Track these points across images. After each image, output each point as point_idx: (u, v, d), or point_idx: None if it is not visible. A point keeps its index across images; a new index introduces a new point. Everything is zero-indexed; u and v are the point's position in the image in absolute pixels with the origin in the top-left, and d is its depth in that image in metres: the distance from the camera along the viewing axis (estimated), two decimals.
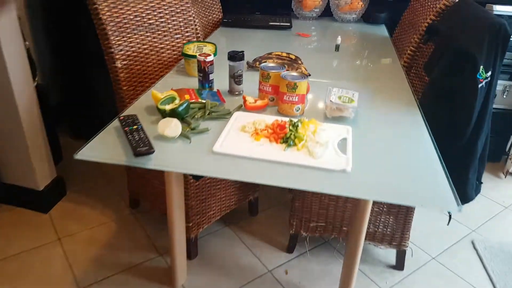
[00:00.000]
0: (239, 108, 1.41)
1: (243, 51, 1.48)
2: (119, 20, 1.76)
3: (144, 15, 1.86)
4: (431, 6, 2.04)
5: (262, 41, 2.26)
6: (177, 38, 1.99)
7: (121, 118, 1.26)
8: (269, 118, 1.33)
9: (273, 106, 1.46)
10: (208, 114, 1.33)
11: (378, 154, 1.20)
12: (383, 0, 2.74)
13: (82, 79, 2.64)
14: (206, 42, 1.79)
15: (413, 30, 2.19)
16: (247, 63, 1.78)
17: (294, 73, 1.39)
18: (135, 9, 1.83)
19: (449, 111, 1.50)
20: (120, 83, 1.81)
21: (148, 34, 1.89)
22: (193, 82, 1.59)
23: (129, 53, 1.82)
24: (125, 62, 1.81)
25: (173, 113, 1.26)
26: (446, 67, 1.56)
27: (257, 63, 1.78)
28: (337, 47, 2.07)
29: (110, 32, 1.72)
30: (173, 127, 1.19)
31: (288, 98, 1.36)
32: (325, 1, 2.66)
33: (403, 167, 1.14)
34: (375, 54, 2.11)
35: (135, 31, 1.82)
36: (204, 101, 1.38)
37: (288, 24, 2.44)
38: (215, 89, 1.54)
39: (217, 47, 1.74)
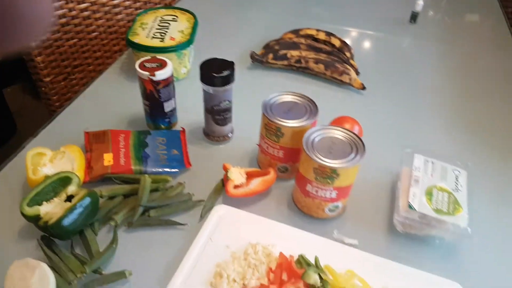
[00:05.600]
0: (217, 193, 0.69)
1: (232, 63, 0.71)
2: None
3: None
4: None
5: None
6: None
7: None
8: (283, 242, 0.60)
9: (285, 180, 0.73)
10: (143, 214, 0.63)
11: None
12: None
13: None
14: (179, 9, 0.99)
15: None
16: (252, 56, 1.00)
17: (337, 133, 0.63)
18: None
19: None
20: (40, 74, 1.09)
21: None
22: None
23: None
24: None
25: (54, 229, 0.56)
26: None
27: (270, 55, 0.99)
28: (414, 17, 1.21)
29: None
30: (35, 285, 0.51)
31: (316, 191, 0.62)
32: None
33: None
34: (486, 40, 1.23)
35: None
36: (136, 176, 0.66)
37: None
38: (178, 126, 0.81)
39: (199, 18, 0.95)
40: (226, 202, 0.67)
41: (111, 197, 0.63)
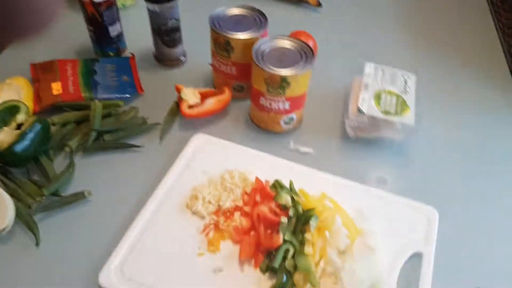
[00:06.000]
0: (173, 115, 0.69)
1: None
2: None
3: None
4: None
5: None
6: None
7: None
8: (260, 162, 0.62)
9: (243, 100, 0.73)
10: (98, 140, 0.63)
11: None
12: None
13: None
14: None
15: None
16: None
17: (286, 43, 0.63)
18: None
19: None
20: None
21: None
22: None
23: None
24: None
25: (6, 156, 0.55)
26: None
27: None
28: None
29: None
30: None
31: (269, 103, 0.63)
32: None
33: None
34: None
35: None
36: (86, 103, 0.64)
37: None
38: (127, 52, 0.78)
39: None
40: (184, 125, 0.67)
41: (63, 125, 0.62)
